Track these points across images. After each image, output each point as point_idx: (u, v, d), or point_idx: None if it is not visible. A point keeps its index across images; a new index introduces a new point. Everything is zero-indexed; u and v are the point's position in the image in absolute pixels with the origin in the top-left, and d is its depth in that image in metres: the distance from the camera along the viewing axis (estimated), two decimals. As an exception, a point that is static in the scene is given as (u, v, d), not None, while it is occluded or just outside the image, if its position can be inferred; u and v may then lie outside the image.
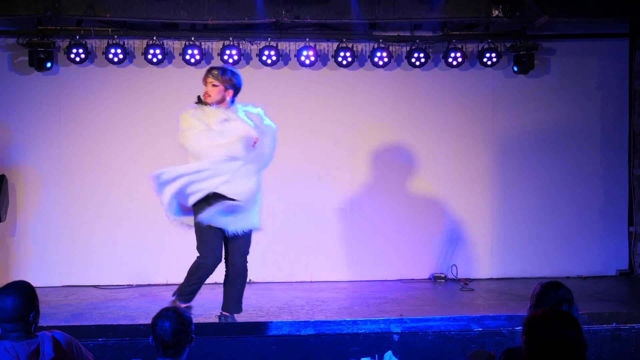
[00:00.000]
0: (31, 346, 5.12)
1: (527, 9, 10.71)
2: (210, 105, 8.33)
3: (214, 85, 8.25)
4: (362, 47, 11.46)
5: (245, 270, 8.55)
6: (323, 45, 11.42)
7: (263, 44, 11.16)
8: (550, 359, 3.95)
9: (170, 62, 11.28)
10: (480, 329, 7.71)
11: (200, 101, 8.39)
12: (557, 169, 11.70)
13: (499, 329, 7.73)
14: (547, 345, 3.97)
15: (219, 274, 11.12)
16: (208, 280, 11.10)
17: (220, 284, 10.87)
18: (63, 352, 5.21)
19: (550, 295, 5.06)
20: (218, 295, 10.19)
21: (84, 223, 11.18)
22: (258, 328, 7.96)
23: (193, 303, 8.36)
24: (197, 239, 8.46)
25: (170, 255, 11.12)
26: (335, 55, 11.19)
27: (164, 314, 5.25)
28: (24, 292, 5.21)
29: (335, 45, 11.30)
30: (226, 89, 8.30)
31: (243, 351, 7.78)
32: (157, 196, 8.37)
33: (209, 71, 8.30)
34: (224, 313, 8.41)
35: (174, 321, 5.17)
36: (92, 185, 11.18)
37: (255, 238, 11.28)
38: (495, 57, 11.28)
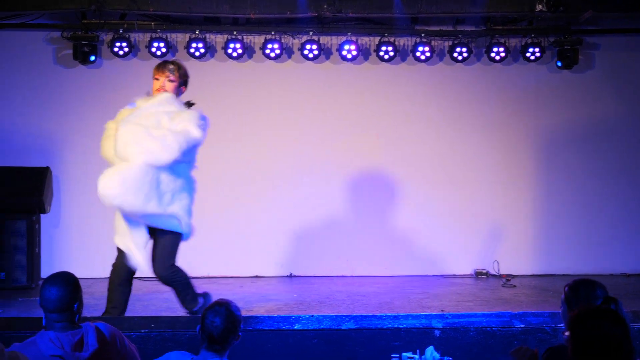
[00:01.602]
0: (75, 337, 5.15)
1: (571, 3, 10.63)
2: None
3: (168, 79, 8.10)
4: (404, 41, 11.43)
5: None
6: (365, 40, 11.41)
7: (305, 38, 11.16)
8: (596, 357, 3.92)
9: (212, 55, 11.32)
10: (522, 326, 7.67)
11: None
12: (600, 165, 11.61)
13: (542, 325, 7.68)
14: (593, 343, 3.93)
15: (258, 266, 11.19)
16: (249, 273, 11.20)
17: (262, 277, 10.96)
18: (106, 343, 5.24)
19: (584, 295, 5.00)
20: (260, 289, 10.25)
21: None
22: (299, 321, 7.97)
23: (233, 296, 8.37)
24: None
25: (212, 249, 11.16)
26: (377, 50, 11.18)
27: (216, 309, 5.25)
28: (67, 283, 5.24)
29: (377, 39, 11.28)
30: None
31: (284, 345, 7.79)
32: None
33: (163, 65, 8.18)
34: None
35: (225, 319, 5.18)
36: (135, 178, 11.23)
37: (296, 231, 11.38)
38: (538, 52, 11.22)
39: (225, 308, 5.26)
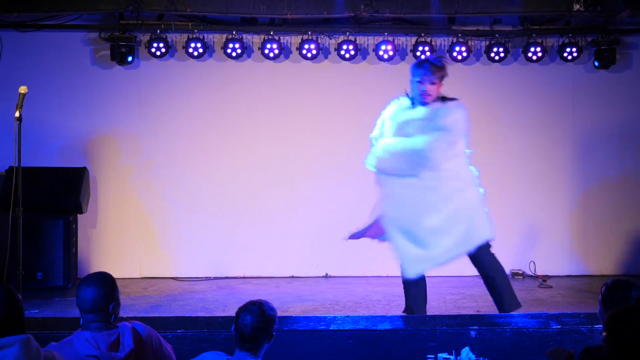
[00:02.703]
0: (111, 337, 5.18)
1: (608, 2, 10.56)
2: None
3: (433, 84, 7.78)
4: (440, 41, 11.41)
5: None
6: (401, 40, 11.39)
7: (341, 38, 11.16)
8: (632, 357, 3.90)
9: (249, 56, 11.34)
10: (558, 327, 7.62)
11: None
12: (637, 165, 11.53)
13: (578, 326, 7.64)
14: (631, 343, 3.92)
15: (294, 266, 11.21)
16: (285, 274, 11.22)
17: (298, 277, 10.98)
18: (143, 343, 5.26)
19: (620, 295, 4.98)
20: (295, 289, 10.26)
21: (163, 216, 11.29)
22: (334, 322, 7.97)
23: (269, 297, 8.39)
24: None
25: (247, 249, 11.22)
26: (414, 50, 11.15)
27: (249, 308, 5.27)
28: (104, 283, 5.27)
29: (413, 39, 11.26)
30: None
31: (319, 345, 7.80)
32: None
33: (429, 67, 7.75)
34: None
35: (256, 317, 5.19)
36: (172, 179, 11.29)
37: (332, 231, 11.39)
38: (575, 51, 11.16)
39: (258, 307, 5.27)
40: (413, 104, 7.89)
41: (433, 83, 7.69)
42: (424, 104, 7.79)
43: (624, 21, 11.08)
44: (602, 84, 11.50)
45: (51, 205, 10.25)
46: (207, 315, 8.24)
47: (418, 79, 7.73)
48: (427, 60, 7.85)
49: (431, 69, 7.69)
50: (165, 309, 8.85)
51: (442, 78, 7.77)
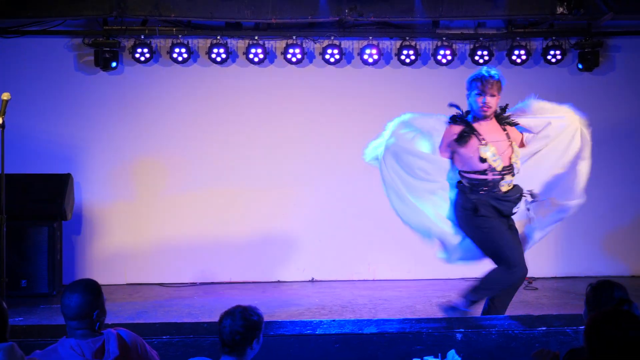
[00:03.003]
0: (96, 344, 5.16)
1: (592, 5, 10.61)
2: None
3: (493, 96, 7.66)
4: (425, 45, 11.43)
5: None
6: (386, 44, 11.41)
7: (326, 42, 11.17)
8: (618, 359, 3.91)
9: (234, 61, 11.34)
10: (544, 328, 7.64)
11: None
12: (622, 167, 11.56)
13: (563, 328, 7.66)
14: (610, 346, 3.93)
15: (280, 271, 11.20)
16: (271, 278, 11.22)
17: (284, 282, 10.98)
18: (128, 349, 5.25)
19: (605, 296, 5.01)
20: (282, 294, 10.26)
21: (148, 221, 11.27)
22: (321, 326, 7.97)
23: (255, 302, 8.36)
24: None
25: (233, 254, 11.22)
26: (399, 54, 11.18)
27: (229, 313, 5.28)
28: (88, 290, 5.25)
29: (398, 43, 11.28)
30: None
31: (306, 349, 7.80)
32: None
33: (489, 80, 7.64)
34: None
35: (235, 322, 5.19)
36: (156, 184, 11.28)
37: (318, 236, 11.38)
38: (559, 54, 11.19)
39: (239, 312, 5.27)
40: (470, 118, 7.80)
41: (493, 95, 7.62)
42: (483, 117, 7.70)
43: (607, 24, 11.11)
44: (586, 87, 11.53)
45: (35, 212, 10.21)
46: (193, 321, 8.24)
47: (477, 92, 7.68)
48: (485, 72, 7.80)
49: (491, 81, 7.62)
50: (151, 315, 8.83)
51: (500, 90, 7.67)
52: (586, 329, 4.10)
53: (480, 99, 7.64)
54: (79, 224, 11.14)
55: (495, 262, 7.85)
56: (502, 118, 7.79)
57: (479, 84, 7.65)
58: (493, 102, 7.63)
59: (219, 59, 11.05)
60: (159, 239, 11.27)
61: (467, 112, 7.88)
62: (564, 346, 7.21)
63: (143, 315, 8.83)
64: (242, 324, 5.19)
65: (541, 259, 11.47)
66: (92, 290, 5.29)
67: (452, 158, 7.82)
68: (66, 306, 5.17)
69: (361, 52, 11.17)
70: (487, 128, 7.70)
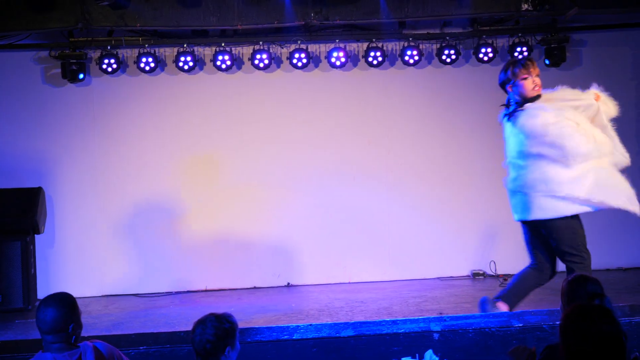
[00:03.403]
0: (73, 357, 5.15)
1: (556, 1, 10.64)
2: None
3: (538, 75, 7.82)
4: (392, 46, 11.44)
5: None
6: (353, 46, 11.42)
7: (293, 47, 11.17)
8: (589, 355, 3.93)
9: (201, 68, 11.32)
10: (520, 325, 7.68)
11: (528, 100, 7.85)
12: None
13: (540, 324, 7.69)
14: (584, 341, 3.95)
15: (255, 277, 11.19)
16: (247, 285, 11.21)
17: (260, 288, 10.97)
18: (105, 362, 5.24)
19: (580, 292, 5.05)
20: (258, 300, 10.24)
21: (121, 232, 11.23)
22: (297, 331, 7.96)
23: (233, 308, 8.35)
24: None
25: (208, 262, 11.20)
26: (366, 56, 11.18)
27: (201, 321, 5.29)
28: (63, 304, 5.24)
29: (365, 45, 11.29)
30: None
31: (283, 355, 7.79)
32: None
33: (531, 61, 7.84)
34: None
35: (205, 331, 5.20)
36: (128, 194, 11.24)
37: (292, 241, 11.37)
38: (526, 50, 11.23)
39: (210, 321, 5.27)
40: (518, 103, 7.93)
41: (538, 75, 7.81)
42: (536, 97, 7.82)
43: (572, 19, 11.16)
44: (554, 82, 11.43)
45: (7, 226, 10.14)
46: (170, 330, 8.19)
47: (524, 76, 7.80)
48: (521, 57, 8.04)
49: (534, 62, 7.84)
50: (127, 326, 8.79)
51: None
52: (560, 325, 4.12)
53: (531, 81, 7.76)
54: (52, 237, 11.09)
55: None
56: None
57: (525, 68, 7.77)
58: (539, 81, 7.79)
59: (186, 67, 11.02)
60: (133, 250, 11.23)
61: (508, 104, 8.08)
62: (541, 342, 7.26)
63: (119, 327, 8.78)
64: (213, 332, 5.20)
65: (516, 256, 11.49)
66: (67, 304, 5.27)
67: None
68: (41, 320, 5.16)
69: (328, 55, 11.17)
70: None
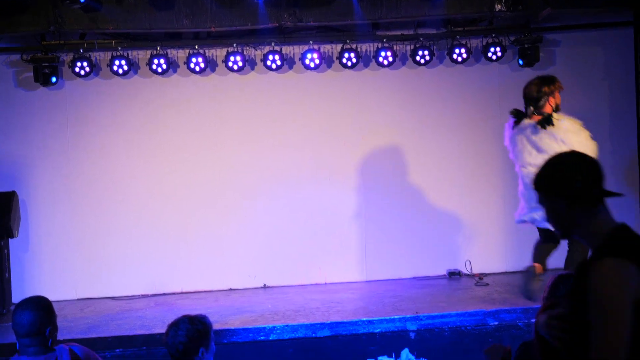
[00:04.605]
0: (49, 360, 5.14)
1: (530, 1, 10.69)
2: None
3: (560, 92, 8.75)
4: (366, 47, 11.45)
5: None
6: (327, 48, 11.42)
7: (267, 48, 11.15)
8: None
9: (175, 71, 11.29)
10: (496, 323, 7.73)
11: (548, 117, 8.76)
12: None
13: (515, 322, 7.74)
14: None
15: (231, 279, 11.18)
16: (223, 286, 11.20)
17: (236, 289, 10.97)
18: (81, 364, 5.23)
19: (560, 288, 5.07)
20: (234, 301, 10.24)
21: (96, 235, 11.20)
22: (274, 332, 7.97)
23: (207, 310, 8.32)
24: None
25: (184, 264, 11.18)
26: (340, 57, 11.18)
27: (174, 323, 5.31)
28: (39, 308, 5.24)
29: (339, 47, 11.28)
30: None
31: (261, 356, 7.80)
32: None
33: (557, 80, 8.90)
34: None
35: (178, 333, 5.22)
36: (103, 198, 11.20)
37: (268, 242, 11.37)
38: (500, 51, 11.26)
39: (182, 322, 5.29)
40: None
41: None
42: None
43: (546, 19, 11.21)
44: (527, 82, 11.61)
45: (-19, 231, 10.12)
46: (146, 333, 8.21)
47: (559, 90, 8.96)
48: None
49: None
50: (103, 329, 8.77)
51: None
52: (535, 323, 4.14)
53: (559, 95, 8.99)
54: (26, 242, 11.04)
55: None
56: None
57: (558, 82, 8.99)
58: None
59: (159, 69, 10.98)
60: (109, 253, 11.20)
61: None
62: (517, 340, 7.30)
63: (95, 330, 8.77)
64: (186, 334, 5.21)
65: (491, 255, 11.58)
66: (43, 307, 5.27)
67: None
68: (18, 324, 5.15)
69: (302, 57, 11.16)
70: None
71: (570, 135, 8.55)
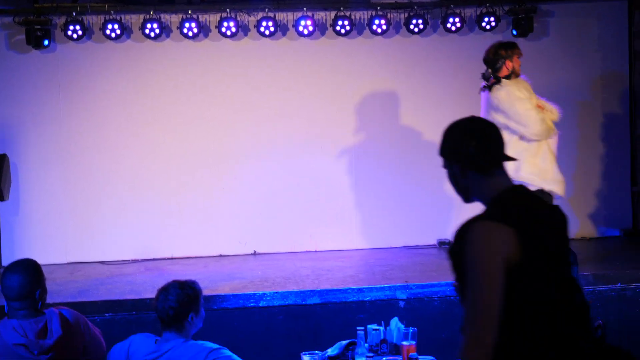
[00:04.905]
0: (39, 324, 5.14)
1: (524, -30, 10.68)
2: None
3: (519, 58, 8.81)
4: (360, 15, 11.41)
5: None
6: (321, 15, 11.37)
7: (260, 15, 11.10)
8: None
9: (168, 36, 11.24)
10: (485, 293, 7.72)
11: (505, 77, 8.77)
12: (558, 131, 11.67)
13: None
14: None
15: (222, 245, 11.18)
16: (213, 253, 11.21)
17: (226, 256, 10.97)
18: (71, 328, 5.23)
19: None
20: (224, 267, 10.24)
21: (87, 200, 11.19)
22: (264, 298, 7.99)
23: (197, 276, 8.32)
24: None
25: (175, 230, 11.18)
26: (334, 25, 11.14)
27: (164, 288, 5.33)
28: (29, 270, 5.24)
29: (333, 14, 11.24)
30: None
31: (250, 322, 7.82)
32: None
33: (516, 45, 8.93)
34: None
35: (168, 298, 5.23)
36: (95, 162, 11.18)
37: (259, 209, 11.36)
38: (493, 21, 11.24)
39: (173, 287, 5.31)
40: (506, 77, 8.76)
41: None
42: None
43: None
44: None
45: (-29, 193, 10.11)
46: (136, 297, 8.21)
47: (518, 56, 8.92)
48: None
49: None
50: (93, 293, 8.77)
51: None
52: None
53: (518, 60, 8.90)
54: (16, 205, 11.02)
55: None
56: None
57: (517, 47, 8.93)
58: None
59: (152, 34, 10.93)
60: (99, 217, 11.19)
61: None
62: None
63: (85, 294, 8.76)
64: (176, 299, 5.23)
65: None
66: (33, 270, 5.27)
67: None
68: (7, 287, 5.15)
69: (296, 24, 11.12)
70: None
71: (504, 104, 8.59)
